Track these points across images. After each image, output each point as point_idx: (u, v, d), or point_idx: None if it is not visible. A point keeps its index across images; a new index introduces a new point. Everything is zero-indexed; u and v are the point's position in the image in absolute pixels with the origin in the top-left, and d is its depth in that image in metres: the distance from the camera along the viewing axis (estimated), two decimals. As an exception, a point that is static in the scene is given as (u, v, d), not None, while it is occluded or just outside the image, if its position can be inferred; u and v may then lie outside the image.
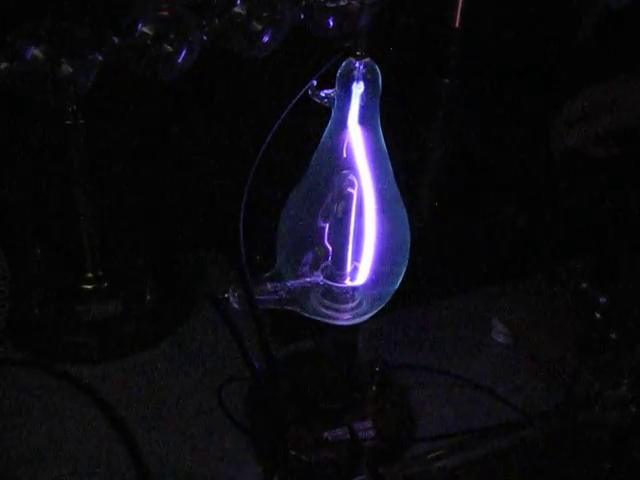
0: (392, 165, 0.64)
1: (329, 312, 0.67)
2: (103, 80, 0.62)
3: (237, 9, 0.62)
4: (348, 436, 0.69)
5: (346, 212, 0.64)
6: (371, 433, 0.71)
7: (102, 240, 0.84)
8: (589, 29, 0.94)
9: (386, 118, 0.63)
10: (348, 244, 0.65)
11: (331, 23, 0.64)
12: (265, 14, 0.63)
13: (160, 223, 0.92)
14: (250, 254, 0.81)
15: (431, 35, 0.84)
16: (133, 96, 0.82)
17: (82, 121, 0.77)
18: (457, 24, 0.82)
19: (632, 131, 0.81)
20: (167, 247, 0.93)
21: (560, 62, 0.91)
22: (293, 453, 0.69)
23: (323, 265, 0.66)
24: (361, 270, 0.66)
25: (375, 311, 0.67)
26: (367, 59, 0.60)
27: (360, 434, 0.70)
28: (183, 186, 0.91)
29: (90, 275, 0.85)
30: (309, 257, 0.66)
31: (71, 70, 0.58)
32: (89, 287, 0.85)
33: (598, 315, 0.77)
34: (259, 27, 0.63)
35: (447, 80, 0.85)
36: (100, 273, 0.86)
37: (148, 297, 0.87)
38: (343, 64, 0.60)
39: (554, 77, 0.92)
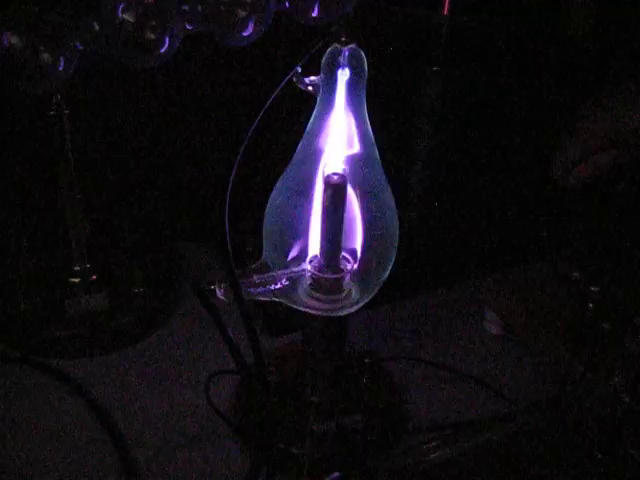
0: (379, 153, 0.63)
1: (317, 303, 0.66)
2: (87, 69, 0.61)
3: (220, -5, 0.61)
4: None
5: (333, 201, 0.63)
6: (361, 426, 0.70)
7: (89, 233, 0.83)
8: (582, 17, 0.94)
9: (374, 106, 0.62)
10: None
11: (316, 9, 0.63)
12: (249, 0, 0.62)
13: (148, 214, 0.91)
14: (241, 245, 0.81)
15: (419, 22, 0.83)
16: (118, 85, 0.81)
17: (67, 111, 0.76)
18: (445, 10, 0.81)
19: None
20: (155, 239, 0.92)
21: (552, 48, 0.90)
22: (282, 446, 0.68)
23: (311, 255, 0.65)
24: (349, 260, 0.65)
25: (364, 302, 0.66)
26: (352, 45, 0.59)
27: (349, 427, 0.69)
28: (171, 176, 0.90)
29: (77, 268, 0.84)
30: (296, 247, 0.65)
31: (50, 58, 0.57)
32: (76, 280, 0.84)
33: (590, 305, 0.76)
34: (243, 14, 0.62)
35: (436, 68, 0.84)
36: (87, 266, 0.84)
37: (136, 290, 0.86)
38: (328, 50, 0.59)
39: (545, 64, 0.91)
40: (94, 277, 0.85)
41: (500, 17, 0.86)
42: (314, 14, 0.62)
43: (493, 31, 0.86)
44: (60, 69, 0.58)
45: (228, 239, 0.60)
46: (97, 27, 0.58)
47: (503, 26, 0.87)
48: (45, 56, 0.57)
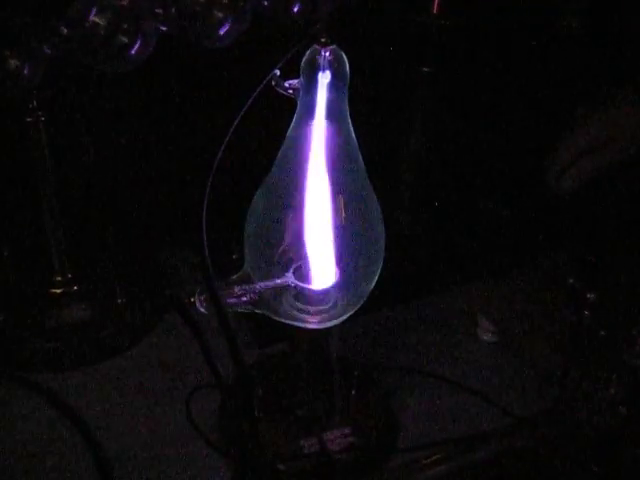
0: (365, 159, 0.61)
1: (302, 315, 0.63)
2: (64, 74, 0.60)
3: (196, -5, 0.59)
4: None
5: (316, 210, 0.61)
6: (348, 442, 0.67)
7: (70, 242, 0.81)
8: (575, 14, 0.92)
9: (361, 109, 0.60)
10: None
11: (296, 9, 0.60)
12: (226, 1, 0.60)
13: (130, 224, 0.89)
14: (227, 254, 0.79)
15: (408, 21, 0.81)
16: (96, 91, 0.79)
17: (43, 118, 0.74)
18: (435, 9, 0.79)
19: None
20: (138, 249, 0.90)
21: (544, 47, 0.89)
22: (266, 462, 0.66)
23: (294, 266, 0.63)
24: (334, 270, 0.63)
25: (351, 312, 0.64)
26: (333, 46, 0.56)
27: (336, 443, 0.67)
28: (153, 185, 0.88)
29: (59, 279, 0.82)
30: (279, 257, 0.63)
31: (18, 64, 0.55)
32: (58, 291, 0.83)
33: (586, 312, 0.74)
34: (220, 15, 0.60)
35: (426, 69, 0.82)
36: (69, 276, 0.83)
37: (119, 300, 0.84)
38: (308, 52, 0.57)
39: (537, 64, 0.89)
40: (76, 288, 0.83)
41: (490, 17, 0.84)
42: (294, 14, 0.60)
43: (483, 31, 0.84)
44: (27, 74, 0.55)
45: (206, 249, 0.57)
46: (65, 31, 0.55)
47: (493, 26, 0.85)
48: (12, 62, 0.55)
